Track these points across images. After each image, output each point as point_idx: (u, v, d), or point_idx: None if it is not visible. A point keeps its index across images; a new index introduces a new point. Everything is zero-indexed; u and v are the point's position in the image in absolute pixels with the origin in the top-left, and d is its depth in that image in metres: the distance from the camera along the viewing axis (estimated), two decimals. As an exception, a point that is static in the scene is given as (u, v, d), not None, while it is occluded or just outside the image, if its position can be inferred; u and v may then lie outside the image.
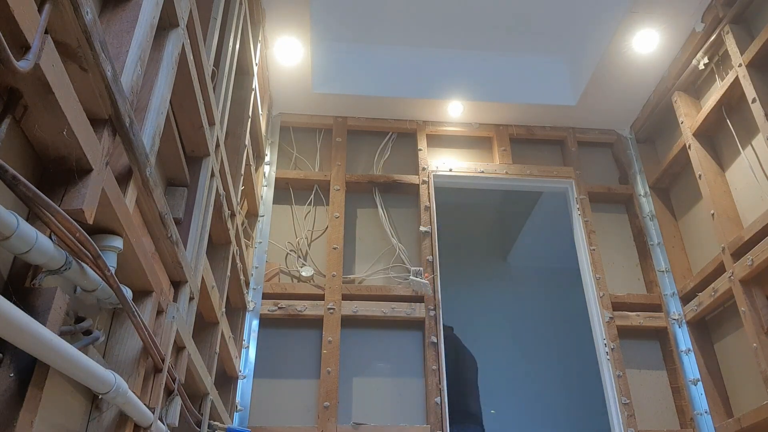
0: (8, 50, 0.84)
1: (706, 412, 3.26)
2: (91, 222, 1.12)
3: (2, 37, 0.83)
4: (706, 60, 3.47)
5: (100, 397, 1.27)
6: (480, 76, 4.10)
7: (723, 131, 3.44)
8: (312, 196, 3.88)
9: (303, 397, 3.22)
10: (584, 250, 3.78)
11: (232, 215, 2.70)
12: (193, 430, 1.93)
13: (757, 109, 2.97)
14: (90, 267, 1.12)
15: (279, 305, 3.40)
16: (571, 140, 4.19)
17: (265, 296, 3.43)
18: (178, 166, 1.98)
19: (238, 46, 2.76)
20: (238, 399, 3.06)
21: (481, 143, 4.24)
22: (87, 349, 1.22)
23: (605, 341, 3.46)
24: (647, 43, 3.52)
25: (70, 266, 1.05)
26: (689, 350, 3.44)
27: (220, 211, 2.42)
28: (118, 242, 1.28)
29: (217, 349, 2.44)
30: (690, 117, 3.60)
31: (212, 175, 2.21)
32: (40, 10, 0.95)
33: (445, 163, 4.02)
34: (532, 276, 5.85)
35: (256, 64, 3.22)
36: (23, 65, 0.88)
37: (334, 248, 3.62)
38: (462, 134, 4.22)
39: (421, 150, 4.06)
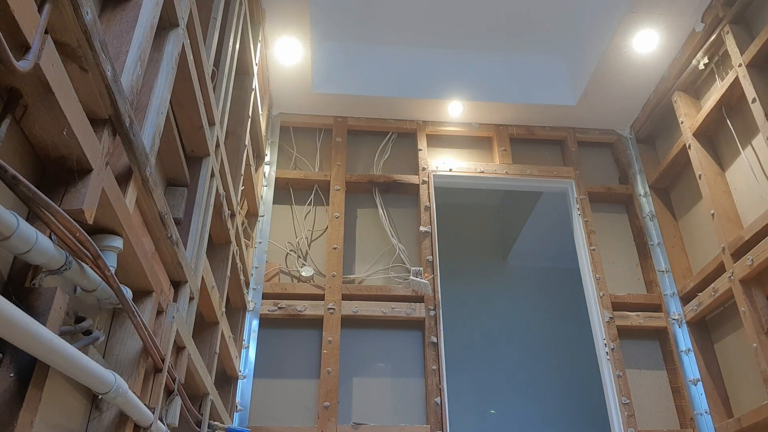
0: (8, 50, 0.84)
1: (706, 412, 3.26)
2: (91, 222, 1.12)
3: (2, 37, 0.83)
4: (706, 60, 3.47)
5: (100, 397, 1.27)
6: (480, 76, 4.10)
7: (723, 131, 3.44)
8: (312, 196, 3.88)
9: (303, 397, 3.22)
10: (584, 250, 3.78)
11: (232, 215, 2.70)
12: (193, 430, 1.93)
13: (757, 109, 2.97)
14: (90, 267, 1.12)
15: (279, 305, 3.40)
16: (571, 140, 4.19)
17: (265, 296, 3.43)
18: (178, 166, 1.98)
19: (238, 46, 2.77)
20: (238, 399, 3.06)
21: (481, 143, 4.24)
22: (87, 349, 1.22)
23: (605, 341, 3.46)
24: (647, 43, 3.52)
25: (70, 266, 1.05)
26: (689, 350, 3.44)
27: (220, 211, 2.42)
28: (118, 242, 1.28)
29: (217, 349, 2.44)
30: (690, 117, 3.59)
31: (212, 175, 2.21)
32: (40, 10, 0.95)
33: (445, 163, 4.02)
34: (532, 276, 5.84)
35: (256, 64, 3.22)
36: (23, 65, 0.88)
37: (334, 248, 3.62)
38: (462, 134, 4.21)
39: (421, 150, 4.06)
